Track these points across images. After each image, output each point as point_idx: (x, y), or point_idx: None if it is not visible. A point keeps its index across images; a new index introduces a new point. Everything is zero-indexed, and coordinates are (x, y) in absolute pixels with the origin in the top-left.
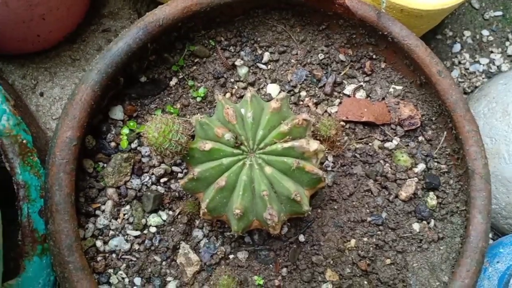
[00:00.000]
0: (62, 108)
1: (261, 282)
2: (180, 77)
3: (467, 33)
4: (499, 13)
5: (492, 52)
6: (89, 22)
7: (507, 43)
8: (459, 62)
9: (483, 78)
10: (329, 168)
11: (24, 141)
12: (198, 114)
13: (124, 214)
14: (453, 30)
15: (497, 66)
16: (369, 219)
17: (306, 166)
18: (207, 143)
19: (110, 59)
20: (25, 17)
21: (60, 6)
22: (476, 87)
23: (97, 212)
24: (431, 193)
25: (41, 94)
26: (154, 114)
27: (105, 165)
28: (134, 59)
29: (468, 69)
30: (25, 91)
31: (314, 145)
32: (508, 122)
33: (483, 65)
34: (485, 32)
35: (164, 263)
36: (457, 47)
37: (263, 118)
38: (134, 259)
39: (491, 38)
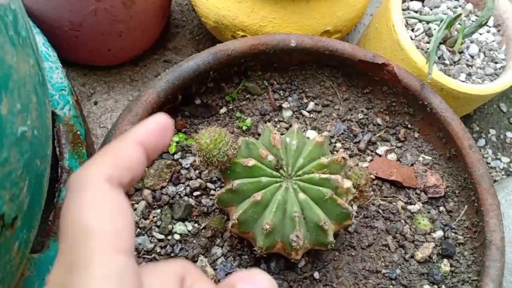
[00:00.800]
0: (125, 107)
1: None
2: (230, 107)
3: (492, 131)
4: None
5: None
6: (154, 52)
7: None
8: (482, 156)
9: (502, 175)
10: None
11: (78, 133)
12: (246, 137)
13: (154, 217)
14: (480, 126)
15: None
16: (383, 271)
17: (338, 199)
18: (251, 160)
19: (179, 73)
20: (105, 30)
21: (137, 28)
22: (495, 181)
23: None
24: (445, 260)
25: (95, 103)
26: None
27: (147, 168)
28: (196, 80)
29: (489, 163)
30: (81, 97)
31: (347, 183)
32: None
33: (504, 163)
34: (509, 134)
35: None
36: (481, 142)
37: (305, 149)
38: (154, 261)
39: None
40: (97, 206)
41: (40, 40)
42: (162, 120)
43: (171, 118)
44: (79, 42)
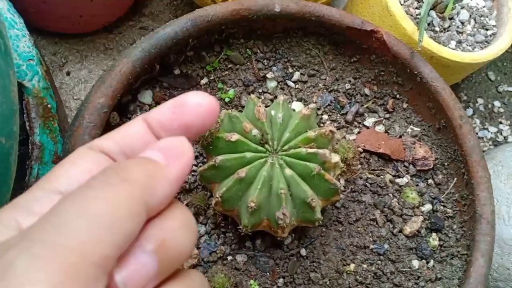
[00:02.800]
0: (98, 78)
1: (256, 287)
2: (211, 78)
3: (480, 101)
4: None
5: (501, 123)
6: (129, 18)
7: None
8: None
9: (489, 145)
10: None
11: (49, 106)
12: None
13: None
14: (467, 95)
15: (504, 137)
16: (371, 246)
17: (326, 174)
18: (234, 134)
19: (156, 40)
20: None
21: None
22: (483, 151)
23: None
24: (434, 234)
25: (68, 73)
26: None
27: None
28: (174, 49)
29: (477, 133)
30: (52, 67)
31: (335, 157)
32: None
33: (491, 133)
34: (497, 103)
35: None
36: (469, 111)
37: (291, 122)
38: None
39: (501, 110)
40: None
41: (4, 5)
42: (185, 99)
43: (211, 99)
44: (47, 7)
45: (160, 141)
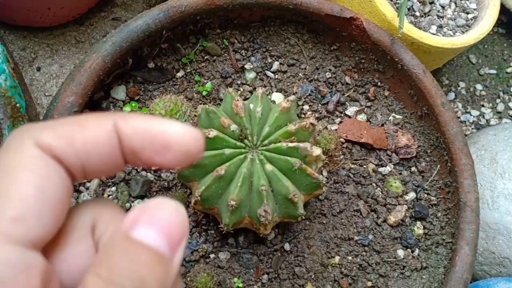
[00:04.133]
0: (67, 75)
1: (240, 285)
2: (187, 70)
3: (462, 84)
4: (494, 71)
5: (483, 106)
6: (100, 9)
7: (498, 100)
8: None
9: (472, 129)
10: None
11: (18, 105)
12: (205, 104)
13: (109, 195)
14: (449, 79)
15: (486, 120)
16: (356, 238)
17: (307, 169)
18: (212, 131)
19: (127, 34)
20: None
21: None
22: (465, 135)
23: (81, 188)
24: (418, 223)
25: (38, 69)
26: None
27: None
28: (147, 42)
29: (459, 117)
30: (22, 63)
31: (317, 151)
32: (495, 169)
33: (474, 116)
34: (478, 87)
35: None
36: (451, 96)
37: (271, 115)
38: None
39: (483, 93)
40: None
41: None
42: (175, 129)
43: (199, 136)
44: (13, 2)
45: (159, 211)
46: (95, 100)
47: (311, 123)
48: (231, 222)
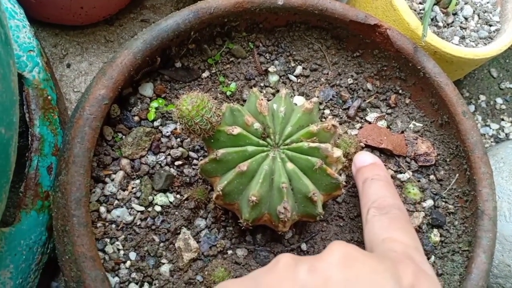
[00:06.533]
0: (99, 70)
1: None
2: (213, 71)
3: (482, 97)
4: None
5: (503, 119)
6: (130, 10)
7: None
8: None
9: (491, 142)
10: None
11: (49, 97)
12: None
13: (133, 188)
14: (470, 92)
15: (506, 134)
16: None
17: (328, 169)
18: (236, 128)
19: (158, 32)
20: None
21: None
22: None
23: (107, 179)
24: (435, 230)
25: (68, 66)
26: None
27: (124, 136)
28: (176, 41)
29: (479, 130)
30: (52, 60)
31: (338, 152)
32: None
33: (493, 130)
34: (499, 100)
35: (162, 244)
36: (471, 108)
37: (293, 116)
38: (134, 233)
39: (503, 106)
40: None
41: None
42: None
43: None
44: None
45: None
46: (124, 95)
47: (333, 125)
48: (251, 218)
